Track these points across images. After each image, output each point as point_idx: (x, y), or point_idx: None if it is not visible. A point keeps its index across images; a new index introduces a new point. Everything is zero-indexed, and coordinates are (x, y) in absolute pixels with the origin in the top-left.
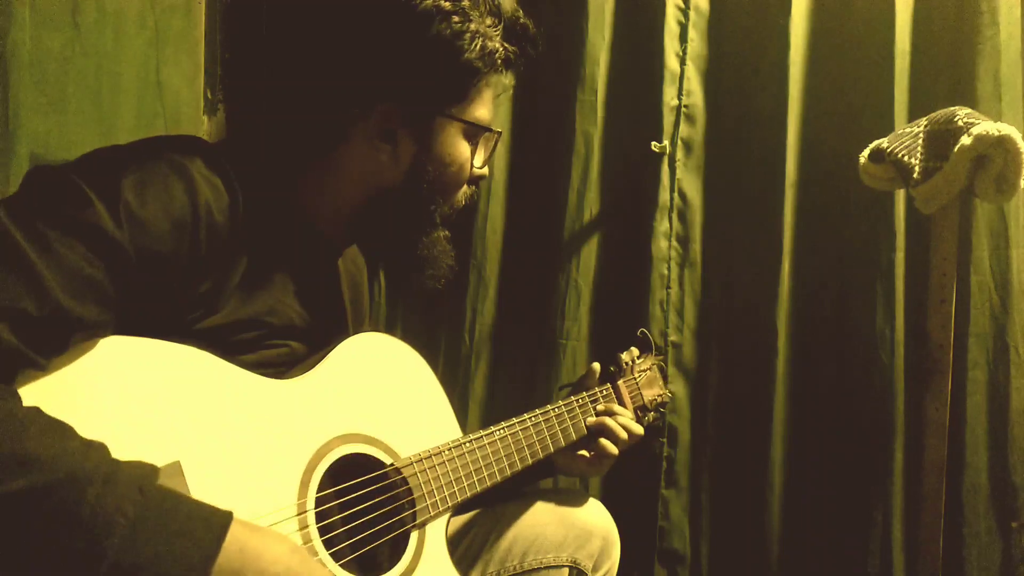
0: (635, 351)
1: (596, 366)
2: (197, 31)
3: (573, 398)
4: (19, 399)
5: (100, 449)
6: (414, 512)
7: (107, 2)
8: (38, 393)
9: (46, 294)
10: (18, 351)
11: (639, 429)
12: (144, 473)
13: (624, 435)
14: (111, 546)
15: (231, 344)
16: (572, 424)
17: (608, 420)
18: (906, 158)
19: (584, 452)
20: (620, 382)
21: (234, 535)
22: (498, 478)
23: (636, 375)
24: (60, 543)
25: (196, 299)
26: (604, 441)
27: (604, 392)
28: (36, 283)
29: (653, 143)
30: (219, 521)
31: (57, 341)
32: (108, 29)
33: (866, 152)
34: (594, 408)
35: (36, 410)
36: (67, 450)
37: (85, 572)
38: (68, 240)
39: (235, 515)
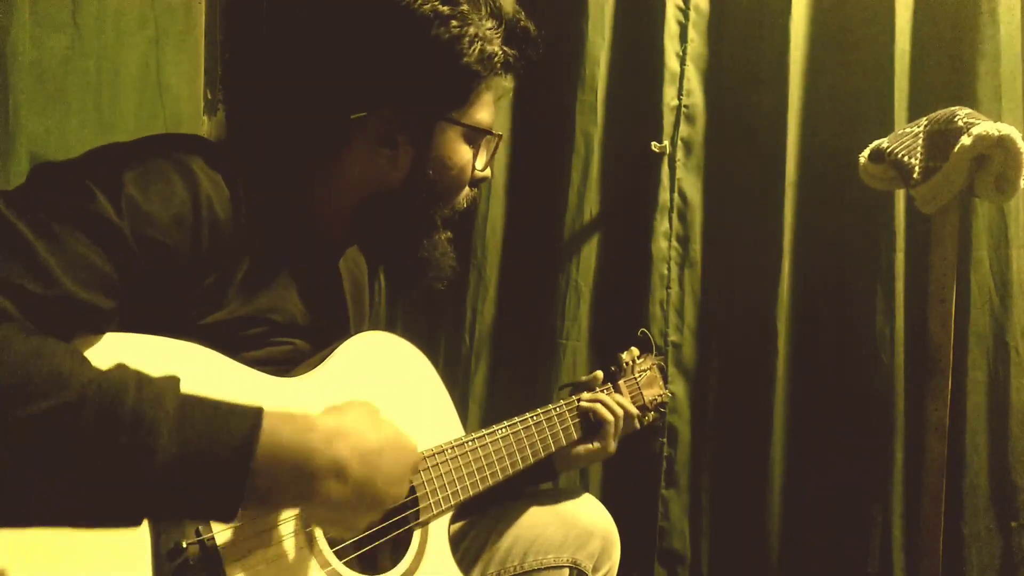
0: (635, 351)
1: (599, 374)
2: (197, 31)
3: (574, 397)
4: (33, 330)
5: (122, 365)
6: (417, 510)
7: (107, 2)
8: None
9: (53, 280)
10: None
11: (633, 408)
12: (171, 376)
13: (618, 410)
14: (160, 441)
15: (235, 341)
16: (573, 423)
17: (602, 395)
18: (906, 158)
19: (582, 447)
20: (620, 382)
21: (269, 421)
22: (500, 477)
23: (636, 375)
24: (107, 451)
25: (200, 295)
26: (597, 412)
27: (604, 391)
28: (42, 270)
29: (653, 143)
30: (252, 410)
31: (63, 326)
32: (108, 29)
33: (866, 152)
34: None
35: (54, 339)
36: (91, 367)
37: (137, 475)
38: (72, 230)
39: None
